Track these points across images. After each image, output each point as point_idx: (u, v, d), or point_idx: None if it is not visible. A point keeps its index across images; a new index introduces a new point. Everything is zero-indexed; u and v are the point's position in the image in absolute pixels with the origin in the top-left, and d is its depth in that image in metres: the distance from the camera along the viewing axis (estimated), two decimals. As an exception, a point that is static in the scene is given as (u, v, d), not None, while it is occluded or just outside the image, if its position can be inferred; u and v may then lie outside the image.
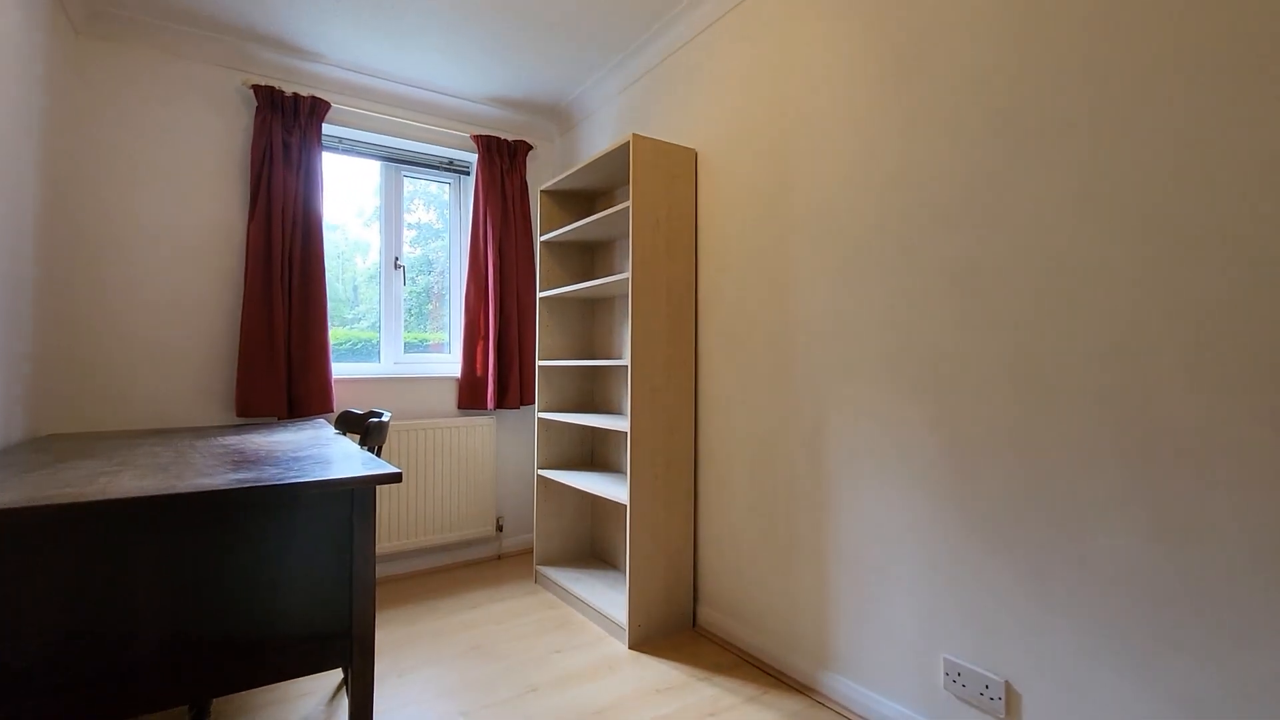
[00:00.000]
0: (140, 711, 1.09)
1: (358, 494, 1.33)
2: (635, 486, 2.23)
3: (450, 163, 3.29)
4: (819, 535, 1.91)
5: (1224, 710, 1.13)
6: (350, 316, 3.10)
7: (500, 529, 3.27)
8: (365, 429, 1.86)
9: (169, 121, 2.53)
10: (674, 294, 2.36)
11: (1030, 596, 1.41)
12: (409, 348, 3.22)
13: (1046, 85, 1.39)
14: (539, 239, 2.91)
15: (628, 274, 2.28)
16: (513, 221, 3.21)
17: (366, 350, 3.11)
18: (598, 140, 3.12)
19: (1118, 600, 1.27)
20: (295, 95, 2.68)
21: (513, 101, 3.22)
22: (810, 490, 1.94)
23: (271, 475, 1.26)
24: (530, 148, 3.29)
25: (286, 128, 2.66)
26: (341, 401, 2.87)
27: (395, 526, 2.93)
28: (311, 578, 1.28)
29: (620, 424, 2.32)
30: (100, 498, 1.01)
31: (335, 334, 3.03)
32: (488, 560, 3.20)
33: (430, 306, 3.34)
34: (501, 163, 3.20)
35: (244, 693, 1.89)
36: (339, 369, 2.95)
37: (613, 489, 2.39)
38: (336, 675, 2.03)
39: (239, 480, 1.19)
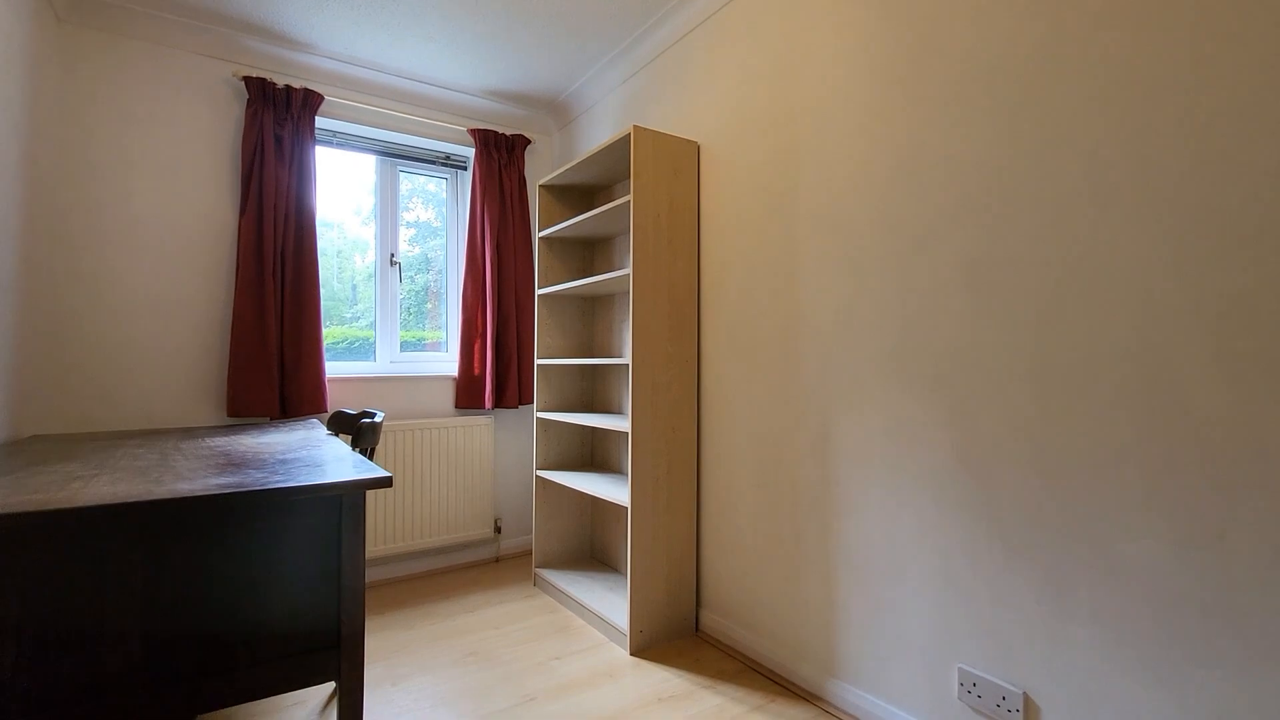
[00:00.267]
0: (115, 731, 1.04)
1: (346, 500, 1.26)
2: (636, 488, 2.17)
3: (447, 157, 3.23)
4: (827, 538, 1.85)
5: (1259, 728, 1.07)
6: (350, 315, 3.04)
7: (498, 531, 3.21)
8: (357, 430, 1.80)
9: (157, 114, 2.46)
10: (676, 290, 2.29)
11: (1049, 604, 1.35)
12: (406, 346, 3.16)
13: (1063, 70, 1.33)
14: (537, 235, 2.85)
15: (628, 270, 2.22)
16: (511, 217, 3.14)
17: (365, 349, 3.05)
18: (597, 134, 3.06)
19: (1142, 609, 1.21)
20: (287, 87, 2.61)
21: (510, 94, 3.15)
22: (818, 492, 1.88)
23: (255, 480, 1.19)
24: (528, 142, 3.23)
25: (278, 120, 2.59)
26: (336, 401, 2.81)
27: (391, 529, 2.87)
28: (297, 588, 1.22)
29: (621, 424, 2.26)
30: (64, 506, 0.94)
31: (334, 332, 2.97)
32: (486, 563, 3.14)
33: (429, 305, 3.28)
34: (499, 157, 3.14)
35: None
36: (334, 368, 2.89)
37: (613, 490, 2.33)
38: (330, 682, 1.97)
39: (220, 486, 1.13)
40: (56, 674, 1.00)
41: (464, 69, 2.86)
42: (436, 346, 3.27)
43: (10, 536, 0.99)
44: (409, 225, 3.24)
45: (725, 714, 1.78)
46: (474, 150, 3.12)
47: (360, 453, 1.88)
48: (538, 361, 2.82)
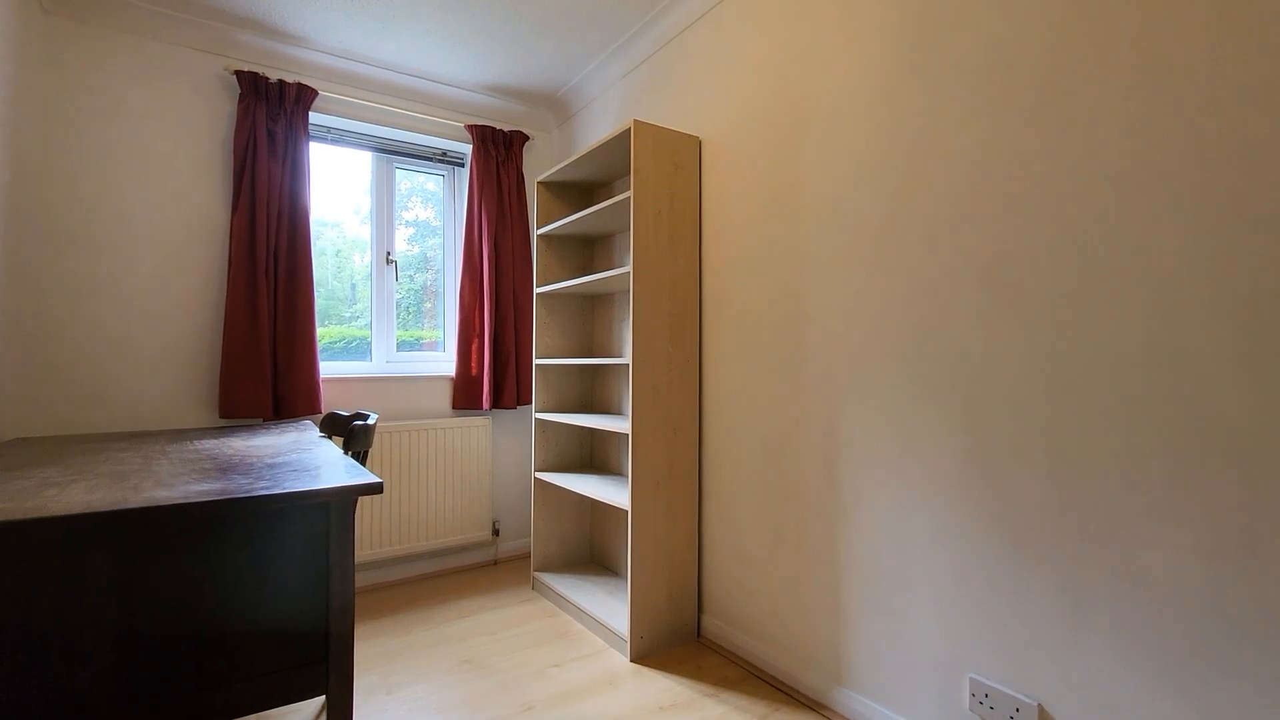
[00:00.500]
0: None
1: (335, 506, 1.21)
2: (637, 490, 2.12)
3: (444, 154, 3.17)
4: (833, 544, 1.80)
5: (1291, 746, 1.02)
6: (349, 315, 2.99)
7: (496, 533, 3.16)
8: (349, 432, 1.75)
9: (146, 108, 2.41)
10: (677, 288, 2.24)
11: (1066, 614, 1.29)
12: (403, 346, 3.11)
13: (1083, 59, 1.27)
14: (536, 233, 2.79)
15: (628, 268, 2.16)
16: (509, 215, 3.09)
17: (363, 349, 3.00)
18: (597, 129, 3.00)
19: (1163, 619, 1.16)
20: (280, 82, 2.56)
21: (508, 90, 3.09)
22: (823, 496, 1.82)
23: (239, 487, 1.14)
24: (527, 138, 3.17)
25: (271, 116, 2.54)
26: (331, 402, 2.76)
27: (387, 531, 2.82)
28: (283, 598, 1.17)
29: (621, 425, 2.21)
30: (30, 516, 0.89)
31: (332, 332, 2.92)
32: (483, 566, 3.09)
33: (427, 305, 3.22)
34: (497, 154, 3.08)
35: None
36: (328, 368, 2.83)
37: (613, 493, 2.28)
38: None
39: (200, 494, 1.08)
40: (23, 690, 0.95)
41: (461, 63, 2.80)
42: (434, 346, 3.22)
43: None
44: (408, 224, 3.19)
45: (728, 724, 1.73)
46: (471, 146, 3.07)
47: (352, 456, 1.83)
48: (536, 361, 2.76)
